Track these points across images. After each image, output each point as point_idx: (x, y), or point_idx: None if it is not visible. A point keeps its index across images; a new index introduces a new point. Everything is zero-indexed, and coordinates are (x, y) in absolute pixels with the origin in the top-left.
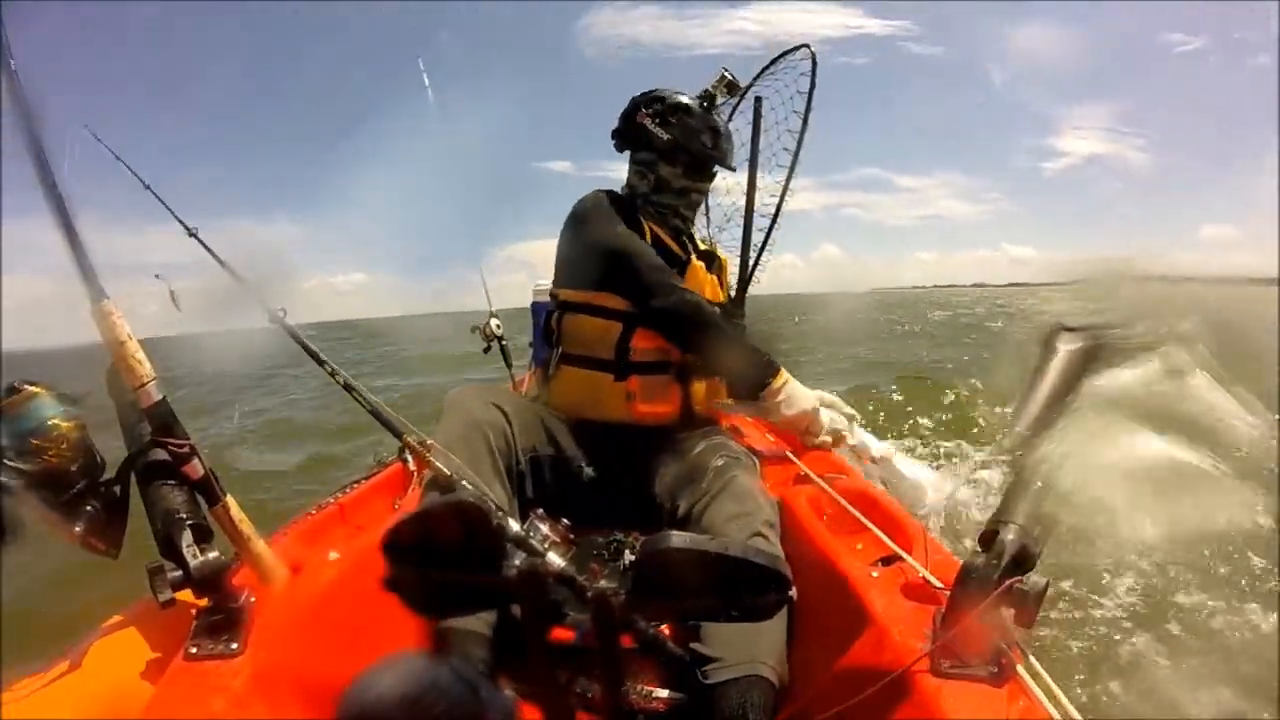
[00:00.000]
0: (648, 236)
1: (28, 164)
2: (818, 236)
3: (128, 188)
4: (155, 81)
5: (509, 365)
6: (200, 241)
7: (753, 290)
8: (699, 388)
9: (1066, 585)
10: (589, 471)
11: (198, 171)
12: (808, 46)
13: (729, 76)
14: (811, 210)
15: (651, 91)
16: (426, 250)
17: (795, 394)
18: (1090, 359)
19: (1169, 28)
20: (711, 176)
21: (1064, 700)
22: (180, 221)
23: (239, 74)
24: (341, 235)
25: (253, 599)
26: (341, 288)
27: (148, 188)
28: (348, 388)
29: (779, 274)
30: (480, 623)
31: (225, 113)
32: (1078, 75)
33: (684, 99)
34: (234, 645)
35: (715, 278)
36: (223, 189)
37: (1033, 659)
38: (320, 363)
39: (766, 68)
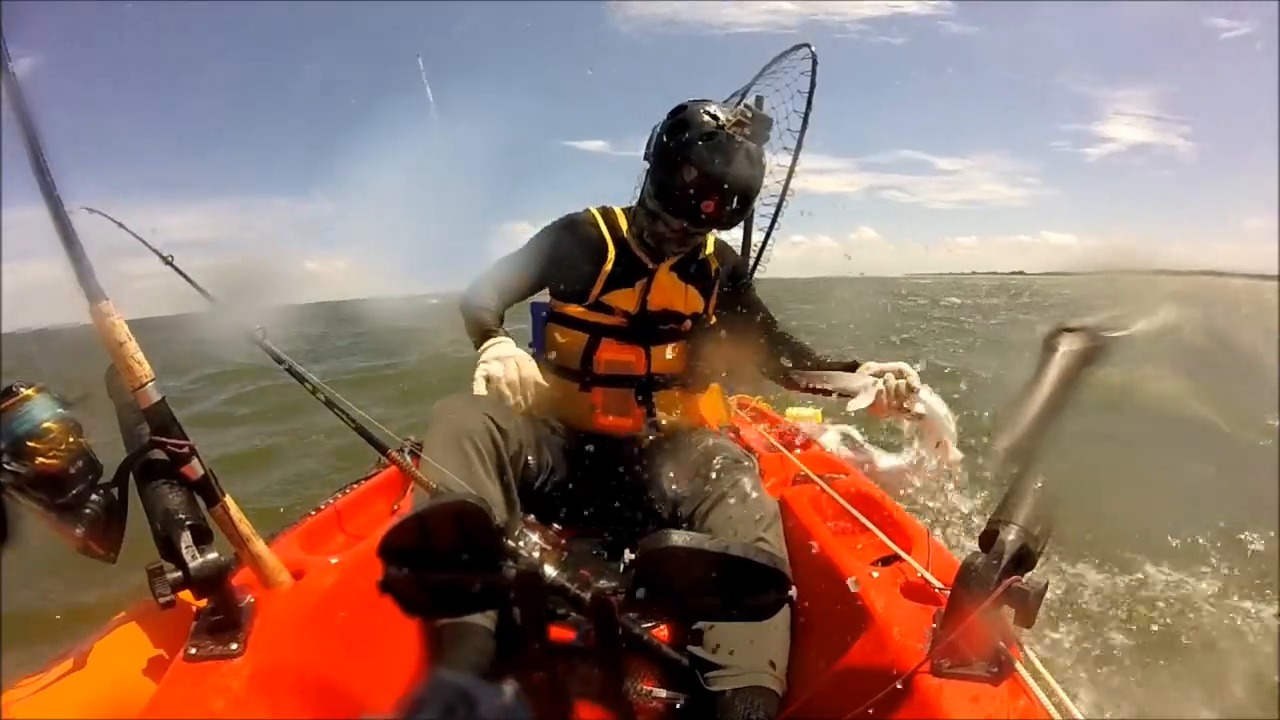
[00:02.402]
0: (611, 250)
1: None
2: (855, 219)
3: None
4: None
5: None
6: (176, 269)
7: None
8: (666, 402)
9: (1066, 583)
10: (578, 476)
11: (236, 146)
12: (808, 45)
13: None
14: (850, 192)
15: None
16: (427, 238)
17: (498, 352)
18: (1090, 360)
19: (1214, 12)
20: (684, 218)
21: (1064, 699)
22: (156, 252)
23: (248, 60)
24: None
25: (252, 600)
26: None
27: (121, 226)
28: (329, 404)
29: (815, 256)
30: (483, 616)
31: (243, 97)
32: (1120, 59)
33: (696, 120)
34: (234, 646)
35: (695, 287)
36: (258, 167)
37: (1033, 658)
38: (300, 380)
39: (768, 66)
